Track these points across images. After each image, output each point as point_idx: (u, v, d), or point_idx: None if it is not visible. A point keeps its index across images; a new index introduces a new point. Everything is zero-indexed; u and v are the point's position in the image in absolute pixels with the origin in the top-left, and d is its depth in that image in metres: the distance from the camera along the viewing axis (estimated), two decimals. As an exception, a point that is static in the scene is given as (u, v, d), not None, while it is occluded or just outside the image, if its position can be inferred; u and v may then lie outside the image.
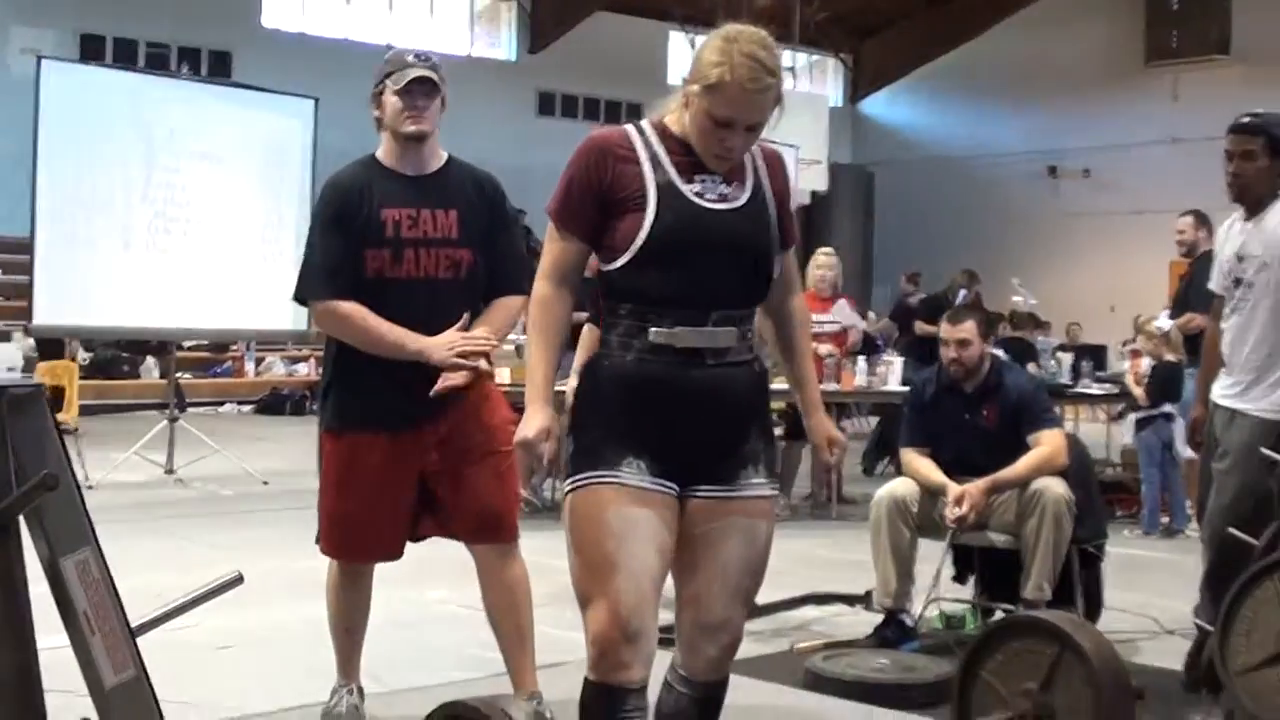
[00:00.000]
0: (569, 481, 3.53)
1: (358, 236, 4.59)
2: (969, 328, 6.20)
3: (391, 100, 4.63)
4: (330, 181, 4.77)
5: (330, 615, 4.93)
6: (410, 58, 4.69)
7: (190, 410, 17.95)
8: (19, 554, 1.85)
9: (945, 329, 6.32)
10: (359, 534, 4.73)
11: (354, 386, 4.64)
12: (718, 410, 3.54)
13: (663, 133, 3.55)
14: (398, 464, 4.61)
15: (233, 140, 11.92)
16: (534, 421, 3.48)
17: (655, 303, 3.49)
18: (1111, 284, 24.95)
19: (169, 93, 12.10)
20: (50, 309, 11.19)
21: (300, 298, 4.77)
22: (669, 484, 3.49)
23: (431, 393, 4.51)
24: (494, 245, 4.76)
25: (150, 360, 18.75)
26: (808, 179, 19.98)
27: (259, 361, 20.57)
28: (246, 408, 19.50)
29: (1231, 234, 5.56)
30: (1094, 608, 6.52)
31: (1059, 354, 12.25)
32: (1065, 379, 11.19)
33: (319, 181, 12.18)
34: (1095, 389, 11.15)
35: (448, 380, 4.51)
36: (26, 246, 11.49)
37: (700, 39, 3.59)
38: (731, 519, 3.56)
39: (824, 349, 10.04)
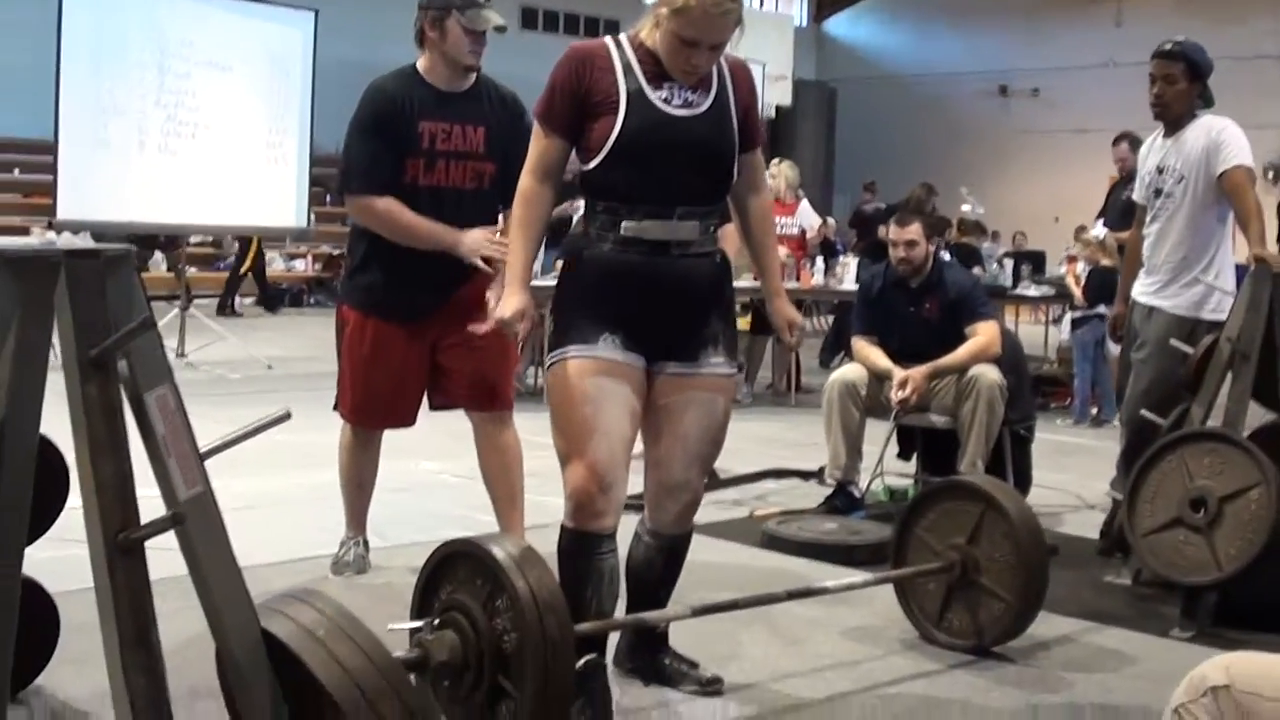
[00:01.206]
0: (551, 355, 3.79)
1: (398, 143, 4.76)
2: (915, 229, 6.41)
3: (458, 33, 4.75)
4: (375, 89, 4.87)
5: (343, 473, 5.18)
6: None
7: (195, 302, 18.11)
8: (116, 385, 2.10)
9: (894, 231, 6.52)
10: (382, 406, 5.01)
11: (384, 278, 4.85)
12: (682, 295, 3.80)
13: (637, 45, 3.76)
14: (415, 344, 4.89)
15: (239, 50, 11.98)
16: (511, 302, 3.75)
17: (626, 199, 3.73)
18: (1056, 196, 25.14)
19: (180, 4, 12.12)
20: (72, 205, 11.31)
21: (341, 190, 4.95)
22: (638, 357, 3.76)
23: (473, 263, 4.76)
24: (512, 158, 4.84)
25: (158, 255, 18.85)
26: (773, 94, 20.13)
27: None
28: (248, 300, 19.63)
29: (1153, 149, 5.78)
30: (1023, 483, 6.80)
31: (1004, 260, 12.46)
32: (1006, 282, 11.44)
33: (319, 89, 12.39)
34: (1034, 291, 11.39)
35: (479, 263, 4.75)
36: (48, 148, 11.62)
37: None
38: (692, 393, 3.83)
39: (782, 251, 10.28)
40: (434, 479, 7.04)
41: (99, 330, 2.08)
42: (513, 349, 5.14)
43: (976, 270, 11.45)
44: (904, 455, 6.92)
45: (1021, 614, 4.36)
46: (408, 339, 4.89)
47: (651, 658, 4.05)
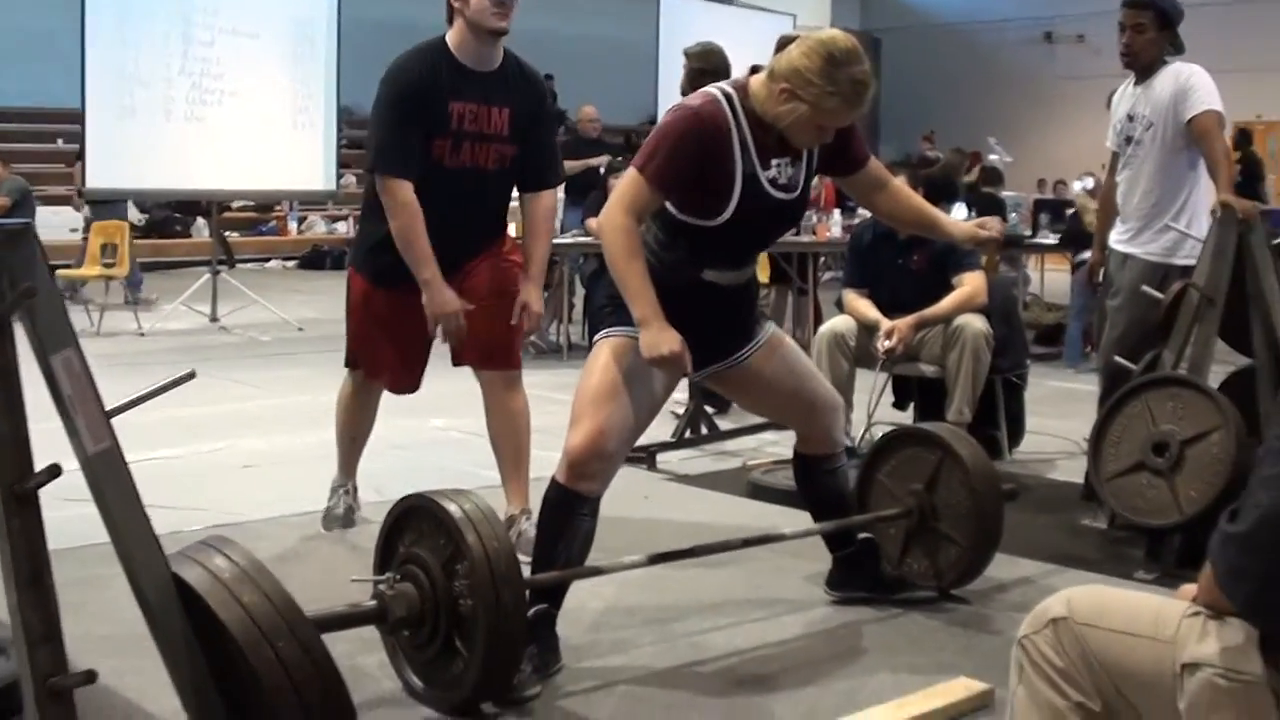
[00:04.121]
0: (609, 329, 3.94)
1: (427, 123, 4.71)
2: (901, 182, 6.48)
3: None
4: (403, 67, 4.77)
5: (340, 424, 5.32)
6: None
7: (239, 266, 18.38)
8: (13, 346, 2.28)
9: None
10: (392, 370, 5.12)
11: (399, 252, 4.77)
12: (737, 309, 4.13)
13: (749, 113, 3.84)
14: (424, 310, 4.86)
15: (263, 16, 12.19)
16: (667, 338, 3.70)
17: (712, 251, 3.97)
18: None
19: (203, -29, 12.35)
20: (100, 174, 11.61)
21: (372, 169, 4.83)
22: None
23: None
24: (534, 139, 4.94)
25: (201, 220, 19.14)
26: (810, 46, 20.05)
27: (301, 220, 20.94)
28: (290, 263, 19.86)
29: (1124, 97, 5.87)
30: (1016, 430, 6.96)
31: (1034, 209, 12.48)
32: (1025, 230, 11.52)
33: (345, 51, 12.57)
34: (1052, 239, 11.45)
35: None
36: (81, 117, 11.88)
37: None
38: (772, 351, 4.19)
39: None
40: (441, 435, 7.20)
41: (-2, 299, 2.25)
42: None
43: (996, 220, 11.50)
44: (900, 406, 7.04)
45: (977, 558, 4.49)
46: (419, 305, 4.84)
47: (872, 575, 4.52)
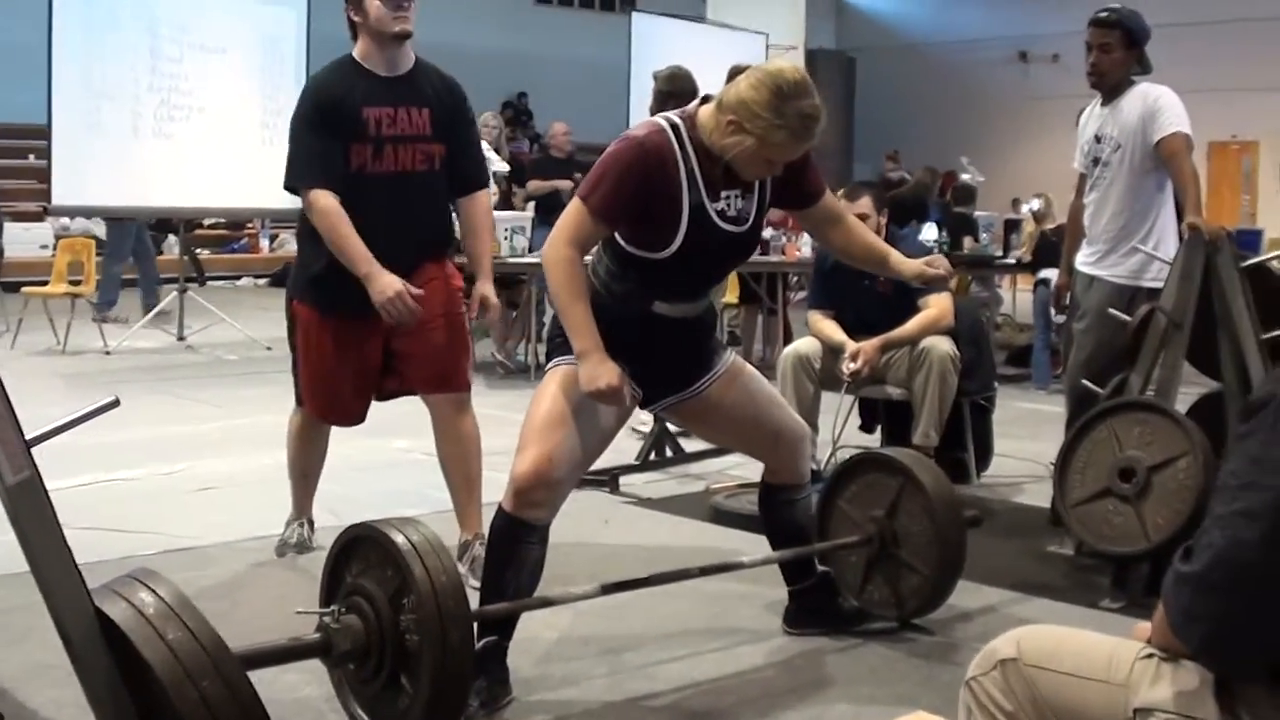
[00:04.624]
0: (560, 358, 3.85)
1: (342, 133, 4.67)
2: (866, 203, 6.38)
3: (375, 5, 4.69)
4: (313, 83, 4.86)
5: (291, 460, 5.26)
6: None
7: (210, 284, 18.26)
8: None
9: (844, 205, 6.54)
10: (341, 403, 5.03)
11: (344, 278, 4.67)
12: (692, 340, 4.05)
13: (697, 145, 3.76)
14: (372, 338, 4.83)
15: (231, 32, 12.07)
16: (607, 370, 3.65)
17: (662, 283, 3.89)
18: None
19: (171, -12, 12.25)
20: (66, 191, 11.49)
21: (290, 187, 4.79)
22: (636, 389, 3.92)
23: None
24: (459, 141, 4.91)
25: (172, 238, 19.00)
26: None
27: (273, 238, 20.79)
28: (262, 281, 19.74)
29: (1091, 118, 5.82)
30: (984, 453, 6.87)
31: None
32: (996, 251, 11.49)
33: (313, 68, 12.42)
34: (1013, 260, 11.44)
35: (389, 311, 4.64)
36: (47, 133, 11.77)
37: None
38: (734, 381, 4.10)
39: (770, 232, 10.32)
40: (403, 457, 7.09)
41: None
42: (466, 332, 5.15)
43: (968, 241, 11.48)
44: (867, 428, 6.97)
45: (939, 586, 4.41)
46: (368, 333, 4.82)
47: (830, 611, 4.46)
